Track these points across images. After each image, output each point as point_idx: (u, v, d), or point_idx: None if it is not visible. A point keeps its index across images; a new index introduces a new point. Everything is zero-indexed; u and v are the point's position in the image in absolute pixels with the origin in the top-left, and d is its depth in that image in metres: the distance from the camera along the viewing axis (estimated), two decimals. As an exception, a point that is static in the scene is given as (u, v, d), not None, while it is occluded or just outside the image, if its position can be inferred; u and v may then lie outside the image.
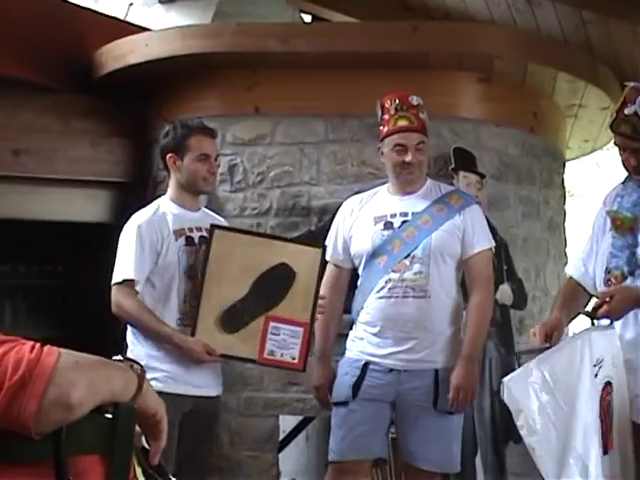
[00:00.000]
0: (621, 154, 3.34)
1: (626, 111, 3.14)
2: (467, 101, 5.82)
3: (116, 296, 3.74)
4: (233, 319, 3.72)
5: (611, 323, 3.25)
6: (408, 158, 3.76)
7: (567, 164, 7.09)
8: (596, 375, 3.08)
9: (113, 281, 3.77)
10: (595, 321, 3.24)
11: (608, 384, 3.11)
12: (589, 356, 3.08)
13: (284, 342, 3.69)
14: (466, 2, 7.14)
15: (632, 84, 3.22)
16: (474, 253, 3.80)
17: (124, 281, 3.73)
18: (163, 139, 3.96)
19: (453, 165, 5.33)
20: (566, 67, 5.89)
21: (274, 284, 3.74)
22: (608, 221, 3.47)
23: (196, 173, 3.85)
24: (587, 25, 6.45)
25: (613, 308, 3.19)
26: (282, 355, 3.70)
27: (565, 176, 6.84)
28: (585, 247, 3.66)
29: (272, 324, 3.68)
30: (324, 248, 3.85)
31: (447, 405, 3.68)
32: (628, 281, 3.31)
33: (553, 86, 6.05)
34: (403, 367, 3.70)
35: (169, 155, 3.87)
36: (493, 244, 3.88)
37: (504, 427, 4.74)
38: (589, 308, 3.32)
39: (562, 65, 5.87)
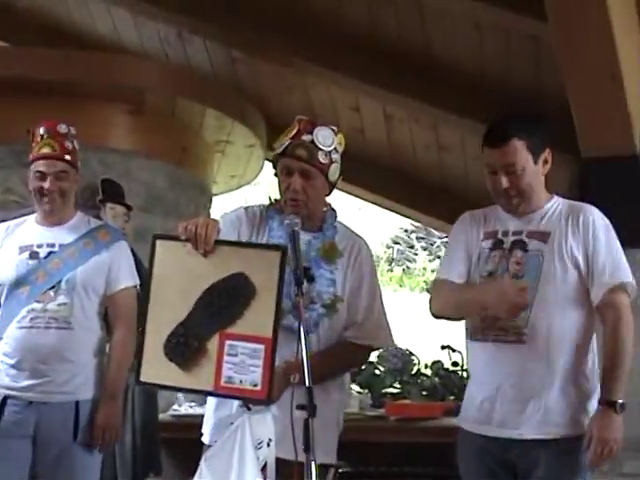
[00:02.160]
0: (285, 179, 3.35)
1: (304, 137, 3.27)
2: (117, 132, 5.85)
3: None
4: (177, 346, 2.94)
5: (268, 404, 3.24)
6: (46, 185, 3.73)
7: (215, 198, 7.28)
8: (258, 458, 3.17)
9: None
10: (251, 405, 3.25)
11: (265, 466, 3.20)
12: (250, 440, 3.14)
13: (243, 364, 2.91)
14: (119, 32, 7.17)
15: (305, 118, 3.38)
16: (118, 290, 3.82)
17: None
18: None
19: (101, 196, 5.31)
20: (214, 104, 6.06)
21: (226, 298, 2.92)
22: None
23: None
24: (236, 64, 6.67)
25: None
26: (241, 382, 2.93)
27: (212, 210, 7.01)
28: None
29: (228, 342, 2.93)
30: (285, 250, 2.96)
31: (88, 439, 3.65)
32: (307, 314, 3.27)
33: (202, 121, 6.21)
34: (42, 399, 3.63)
35: None
36: (137, 282, 3.90)
37: (144, 459, 4.77)
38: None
39: (210, 102, 6.04)
